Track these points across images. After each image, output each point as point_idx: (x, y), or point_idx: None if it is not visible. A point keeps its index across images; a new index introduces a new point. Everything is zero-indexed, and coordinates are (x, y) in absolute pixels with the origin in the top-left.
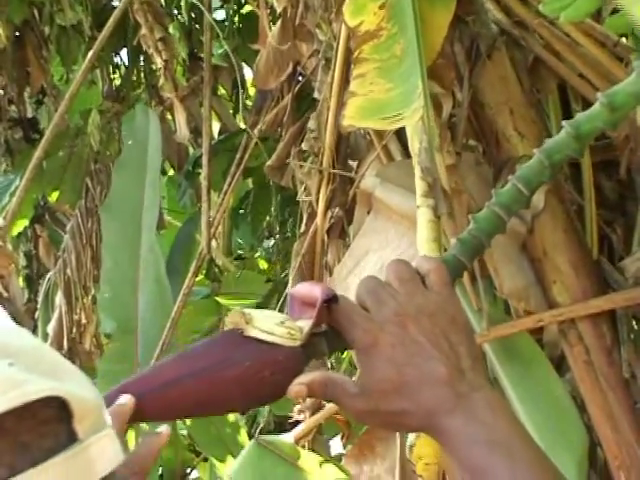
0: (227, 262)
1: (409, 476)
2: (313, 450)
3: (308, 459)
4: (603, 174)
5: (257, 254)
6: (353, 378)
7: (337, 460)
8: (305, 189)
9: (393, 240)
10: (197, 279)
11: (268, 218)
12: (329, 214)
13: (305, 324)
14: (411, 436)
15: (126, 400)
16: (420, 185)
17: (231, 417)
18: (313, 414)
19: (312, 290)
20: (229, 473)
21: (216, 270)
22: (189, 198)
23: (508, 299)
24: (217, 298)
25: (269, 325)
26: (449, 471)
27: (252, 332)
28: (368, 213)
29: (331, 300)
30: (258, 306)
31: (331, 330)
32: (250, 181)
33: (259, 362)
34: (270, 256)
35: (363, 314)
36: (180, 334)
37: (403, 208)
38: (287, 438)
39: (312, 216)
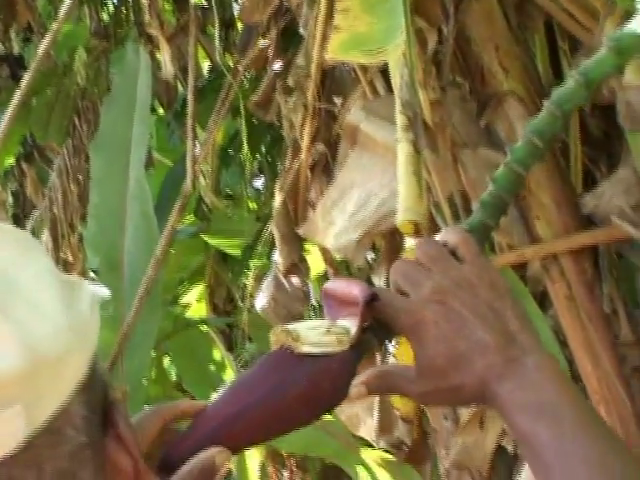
0: (215, 201)
1: (388, 415)
2: None
3: None
4: (589, 112)
5: (246, 194)
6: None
7: None
8: (290, 125)
9: (378, 173)
10: (188, 219)
11: (257, 158)
12: (313, 151)
13: (350, 324)
14: None
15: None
16: (401, 119)
17: (217, 355)
18: None
19: (350, 289)
20: None
21: (205, 209)
22: (178, 137)
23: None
24: (205, 237)
25: (316, 337)
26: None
27: (303, 349)
28: (353, 147)
29: (372, 299)
30: (248, 246)
31: (376, 322)
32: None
33: (316, 376)
34: (259, 196)
35: (403, 299)
36: (167, 272)
37: (388, 142)
38: None
39: (296, 152)
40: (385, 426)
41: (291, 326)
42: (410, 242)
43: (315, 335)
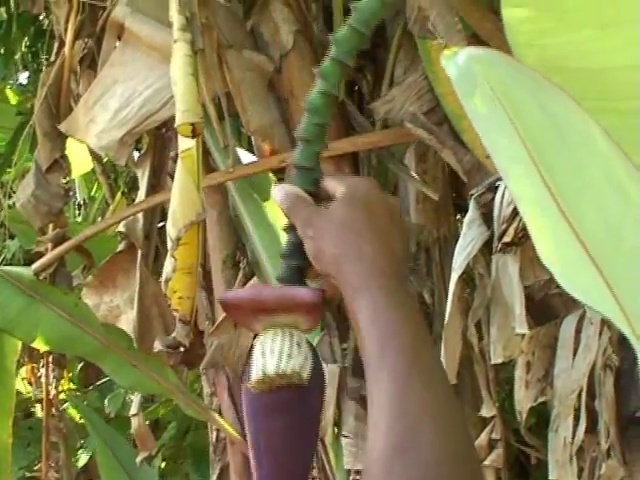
0: None
1: (146, 308)
2: (54, 282)
3: (48, 290)
4: None
5: (9, 86)
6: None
7: (79, 290)
8: (55, 18)
9: (142, 71)
10: None
11: (22, 49)
12: (80, 44)
13: (296, 320)
14: (166, 270)
15: None
16: (178, 19)
17: None
18: (55, 247)
19: (293, 294)
20: None
21: None
22: None
23: (253, 137)
24: None
25: (300, 359)
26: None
27: (305, 377)
28: (117, 44)
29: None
30: (10, 141)
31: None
32: (3, 11)
33: (321, 378)
34: (23, 89)
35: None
36: None
37: (154, 40)
38: (26, 270)
39: (60, 46)
40: (144, 327)
41: (278, 367)
42: (186, 143)
43: (297, 358)
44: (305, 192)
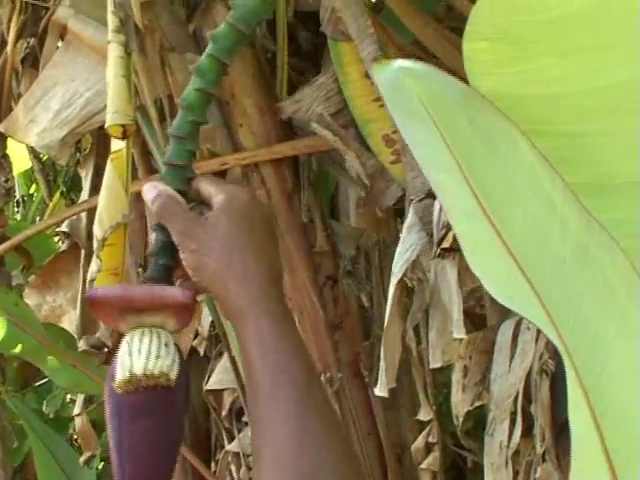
0: None
1: (90, 316)
2: None
3: None
4: (300, 24)
5: None
6: None
7: (19, 290)
8: None
9: (83, 73)
10: None
11: None
12: (24, 44)
13: (162, 320)
14: (91, 270)
15: None
16: (112, 20)
17: None
18: None
19: (162, 294)
20: None
21: None
22: None
23: None
24: None
25: (169, 359)
26: None
27: (172, 378)
28: (58, 44)
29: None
30: None
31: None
32: None
33: (188, 377)
34: None
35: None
36: None
37: (96, 41)
38: None
39: (3, 46)
40: (87, 327)
41: (146, 367)
42: (117, 145)
43: (165, 358)
44: (176, 191)
